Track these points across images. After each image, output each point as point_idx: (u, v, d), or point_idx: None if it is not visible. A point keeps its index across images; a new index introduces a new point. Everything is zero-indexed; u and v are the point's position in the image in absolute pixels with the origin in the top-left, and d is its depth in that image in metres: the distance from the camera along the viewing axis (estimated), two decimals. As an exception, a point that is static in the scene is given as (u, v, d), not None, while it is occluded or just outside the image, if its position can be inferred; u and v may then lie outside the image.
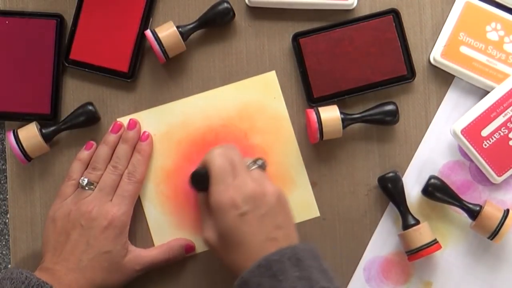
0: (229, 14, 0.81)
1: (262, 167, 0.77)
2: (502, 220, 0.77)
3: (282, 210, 0.72)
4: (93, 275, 0.75)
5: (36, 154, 0.80)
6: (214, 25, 0.82)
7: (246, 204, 0.70)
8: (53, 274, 0.74)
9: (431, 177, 0.79)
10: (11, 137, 0.79)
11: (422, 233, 0.78)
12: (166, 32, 0.79)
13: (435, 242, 0.78)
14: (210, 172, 0.73)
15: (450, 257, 0.82)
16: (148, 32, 0.79)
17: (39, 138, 0.79)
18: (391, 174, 0.80)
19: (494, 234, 0.77)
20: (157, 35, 0.79)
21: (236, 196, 0.71)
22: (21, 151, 0.79)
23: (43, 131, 0.80)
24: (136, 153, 0.81)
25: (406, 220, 0.79)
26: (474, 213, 0.78)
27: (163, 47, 0.79)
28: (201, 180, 0.75)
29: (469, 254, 0.81)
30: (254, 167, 0.75)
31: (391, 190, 0.80)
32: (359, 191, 0.82)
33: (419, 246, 0.77)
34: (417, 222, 0.79)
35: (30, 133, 0.79)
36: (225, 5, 0.81)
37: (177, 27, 0.80)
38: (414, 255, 0.78)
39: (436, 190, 0.79)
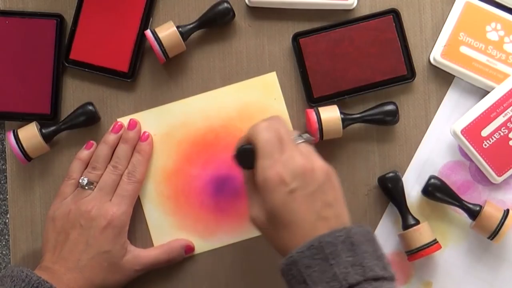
0: (229, 14, 0.81)
1: (309, 141, 0.72)
2: (502, 220, 0.77)
3: (331, 187, 0.68)
4: (92, 275, 0.75)
5: (36, 154, 0.80)
6: (214, 25, 0.82)
7: (294, 181, 0.66)
8: (52, 274, 0.74)
9: (431, 177, 0.79)
10: (11, 137, 0.79)
11: (422, 233, 0.78)
12: (166, 32, 0.79)
13: (435, 242, 0.78)
14: (256, 147, 0.69)
15: (450, 257, 0.82)
16: (148, 32, 0.79)
17: (39, 138, 0.79)
18: (391, 174, 0.80)
19: (494, 234, 0.77)
20: (157, 35, 0.79)
21: (284, 172, 0.66)
22: (21, 151, 0.79)
23: (43, 131, 0.80)
24: (136, 153, 0.81)
25: (406, 220, 0.79)
26: (474, 213, 0.78)
27: (163, 47, 0.79)
28: (246, 156, 0.70)
29: (469, 254, 0.81)
30: (301, 140, 0.71)
31: (391, 190, 0.80)
32: (359, 191, 0.82)
33: (419, 246, 0.77)
34: (417, 222, 0.79)
35: (30, 133, 0.79)
36: (225, 5, 0.81)
37: (177, 27, 0.80)
38: (414, 255, 0.78)
39: (436, 190, 0.79)
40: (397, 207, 0.80)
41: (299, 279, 0.63)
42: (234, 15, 0.81)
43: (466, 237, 0.82)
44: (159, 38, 0.79)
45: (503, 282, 0.81)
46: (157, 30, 0.80)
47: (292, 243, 0.65)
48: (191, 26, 0.81)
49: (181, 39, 0.80)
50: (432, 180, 0.79)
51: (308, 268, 0.63)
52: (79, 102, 0.83)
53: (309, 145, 0.71)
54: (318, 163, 0.68)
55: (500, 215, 0.77)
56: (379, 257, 0.65)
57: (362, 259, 0.63)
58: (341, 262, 0.62)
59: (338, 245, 0.63)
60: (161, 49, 0.79)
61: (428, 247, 0.77)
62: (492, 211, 0.77)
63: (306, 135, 0.72)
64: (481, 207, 0.78)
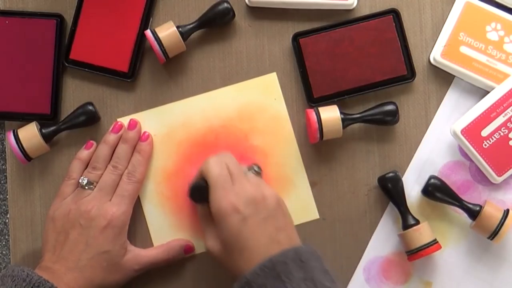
0: (229, 14, 0.81)
1: (258, 172, 0.78)
2: (502, 220, 0.77)
3: (281, 213, 0.73)
4: (92, 275, 0.75)
5: (36, 154, 0.80)
6: (214, 25, 0.82)
7: (247, 208, 0.71)
8: (52, 273, 0.74)
9: (431, 177, 0.79)
10: (11, 137, 0.79)
11: (422, 233, 0.78)
12: (166, 32, 0.79)
13: (435, 242, 0.78)
14: (208, 181, 0.74)
15: (450, 257, 0.82)
16: (148, 32, 0.79)
17: (39, 138, 0.79)
18: (391, 174, 0.80)
19: (494, 234, 0.77)
20: (157, 35, 0.79)
21: (237, 201, 0.71)
22: (21, 151, 0.79)
23: (43, 131, 0.80)
24: (136, 153, 0.81)
25: (406, 220, 0.79)
26: (474, 213, 0.78)
27: (163, 47, 0.79)
28: (199, 191, 0.75)
29: (469, 254, 0.81)
30: (250, 172, 0.76)
31: (391, 190, 0.80)
32: (359, 191, 0.82)
33: (419, 246, 0.77)
34: (417, 222, 0.79)
35: (30, 133, 0.79)
36: (225, 5, 0.81)
37: (177, 27, 0.80)
38: (414, 255, 0.78)
39: (436, 190, 0.79)
40: (397, 207, 0.80)
41: None
42: (234, 15, 0.81)
43: (466, 237, 0.82)
44: (159, 38, 0.79)
45: (503, 282, 0.81)
46: (157, 30, 0.80)
47: (246, 266, 0.69)
48: (191, 26, 0.81)
49: (181, 39, 0.80)
50: (432, 180, 0.79)
51: (262, 287, 0.66)
52: (79, 102, 0.83)
53: (258, 175, 0.76)
54: (268, 191, 0.73)
55: (500, 215, 0.77)
56: (325, 272, 0.69)
57: (312, 274, 0.67)
58: (293, 278, 0.66)
59: (289, 263, 0.67)
60: (161, 49, 0.79)
61: (428, 247, 0.77)
62: (492, 211, 0.77)
63: (255, 167, 0.77)
64: (481, 207, 0.78)
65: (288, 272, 0.67)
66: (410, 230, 0.78)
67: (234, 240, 0.71)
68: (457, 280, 0.81)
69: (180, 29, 0.80)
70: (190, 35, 0.81)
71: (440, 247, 0.78)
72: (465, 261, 0.81)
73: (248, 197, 0.72)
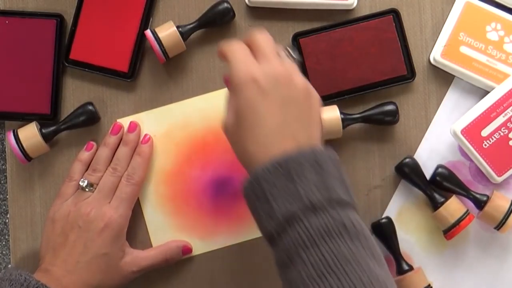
0: (229, 14, 0.81)
1: (296, 59, 0.71)
2: (510, 210, 0.76)
3: (308, 108, 0.65)
4: (90, 277, 0.75)
5: (36, 154, 0.80)
6: (214, 25, 0.82)
7: (268, 83, 0.63)
8: (51, 275, 0.73)
9: (438, 166, 0.79)
10: (11, 137, 0.79)
11: (455, 208, 0.78)
12: (166, 32, 0.79)
13: (468, 213, 0.78)
14: (226, 58, 0.67)
15: (450, 257, 0.81)
16: (148, 32, 0.79)
17: (39, 138, 0.79)
18: (408, 160, 0.80)
19: (501, 224, 0.77)
20: (157, 35, 0.79)
21: (258, 73, 0.64)
22: (21, 151, 0.79)
23: (43, 131, 0.80)
24: (136, 156, 0.81)
25: (434, 200, 0.79)
26: (481, 202, 0.78)
27: (163, 47, 0.79)
28: None
29: (470, 253, 0.81)
30: (285, 56, 0.68)
31: (411, 175, 0.80)
32: (359, 191, 0.82)
33: (454, 221, 0.77)
34: (446, 199, 0.78)
35: (30, 133, 0.79)
36: (225, 5, 0.81)
37: (177, 27, 0.80)
38: (452, 231, 0.77)
39: (444, 180, 0.79)
40: (421, 190, 0.80)
41: (262, 199, 0.61)
42: (234, 15, 0.81)
43: (467, 237, 0.81)
44: (159, 38, 0.79)
45: (503, 281, 0.81)
46: (157, 30, 0.80)
47: (255, 153, 0.62)
48: (191, 26, 0.81)
49: (181, 39, 0.80)
50: (440, 170, 0.79)
51: (271, 185, 0.60)
52: (79, 102, 0.83)
53: (295, 63, 0.68)
54: (298, 78, 0.65)
55: (507, 204, 0.77)
56: (342, 182, 0.62)
57: (327, 181, 0.61)
58: (306, 181, 0.60)
59: (304, 164, 0.61)
60: (161, 49, 0.79)
61: (463, 219, 0.77)
62: (500, 200, 0.77)
63: (295, 53, 0.71)
64: (488, 197, 0.78)
65: (302, 173, 0.60)
66: (441, 208, 0.78)
67: (248, 112, 0.63)
68: (457, 280, 0.81)
69: (180, 29, 0.80)
70: (190, 35, 0.81)
71: (474, 217, 0.78)
72: (466, 261, 0.81)
73: (272, 73, 0.63)
